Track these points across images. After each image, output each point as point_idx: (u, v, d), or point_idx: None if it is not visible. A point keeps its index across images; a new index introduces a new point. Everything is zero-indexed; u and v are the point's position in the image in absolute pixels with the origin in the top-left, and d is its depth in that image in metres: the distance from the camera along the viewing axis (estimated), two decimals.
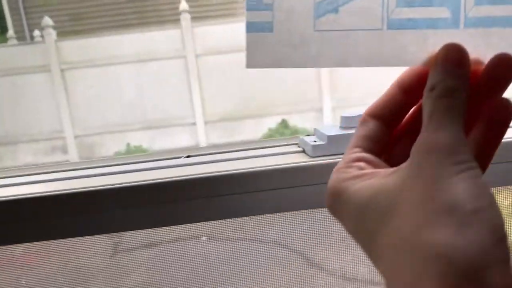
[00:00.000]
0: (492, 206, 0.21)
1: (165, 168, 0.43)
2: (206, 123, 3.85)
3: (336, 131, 0.44)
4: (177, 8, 3.76)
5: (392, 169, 0.25)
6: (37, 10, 4.48)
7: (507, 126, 0.26)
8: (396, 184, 0.24)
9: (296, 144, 0.48)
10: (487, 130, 0.26)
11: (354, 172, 0.26)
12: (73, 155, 3.76)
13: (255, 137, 3.84)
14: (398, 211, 0.23)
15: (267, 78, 3.62)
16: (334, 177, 0.27)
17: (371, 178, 0.25)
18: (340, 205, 0.26)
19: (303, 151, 0.45)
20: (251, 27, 0.28)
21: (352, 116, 0.45)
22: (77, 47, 3.74)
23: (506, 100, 0.25)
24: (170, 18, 4.00)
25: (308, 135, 0.47)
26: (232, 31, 3.49)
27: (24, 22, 4.54)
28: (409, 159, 0.24)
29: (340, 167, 0.27)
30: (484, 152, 0.26)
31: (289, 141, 0.48)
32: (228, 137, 3.81)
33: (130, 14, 4.20)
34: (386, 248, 0.23)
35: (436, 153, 0.23)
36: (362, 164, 0.27)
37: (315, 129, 0.47)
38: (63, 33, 4.06)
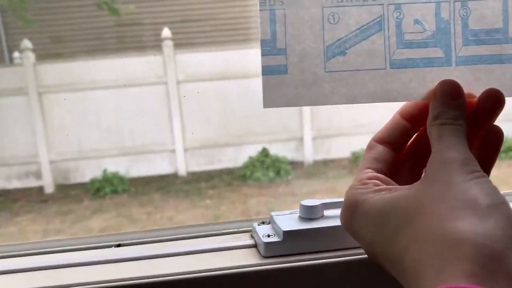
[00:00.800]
0: (506, 203, 0.24)
1: (88, 265, 0.36)
2: (186, 150, 3.80)
3: (294, 224, 0.38)
4: (159, 34, 3.74)
5: (408, 186, 0.28)
6: (17, 32, 4.41)
7: (498, 151, 0.30)
8: (416, 193, 0.26)
9: (250, 232, 0.41)
10: (481, 154, 0.30)
11: (371, 187, 0.29)
12: (47, 181, 3.67)
13: (235, 165, 3.80)
14: (421, 212, 0.25)
15: (248, 107, 3.60)
16: (350, 193, 0.29)
17: (390, 192, 0.28)
18: (358, 216, 0.28)
19: (255, 246, 0.38)
20: (266, 70, 0.31)
21: (313, 206, 0.38)
22: (56, 71, 3.69)
23: (497, 128, 0.30)
24: (152, 44, 3.96)
25: (262, 223, 0.40)
26: (215, 59, 3.48)
27: (4, 44, 4.46)
28: (424, 175, 0.27)
29: (355, 185, 0.30)
30: None
31: (241, 225, 0.42)
32: (208, 164, 3.76)
33: (111, 39, 4.15)
34: (413, 242, 0.24)
35: (450, 165, 0.26)
36: (377, 181, 0.30)
37: (271, 216, 0.40)
38: (43, 56, 3.99)
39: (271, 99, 0.31)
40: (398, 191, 0.27)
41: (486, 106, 0.30)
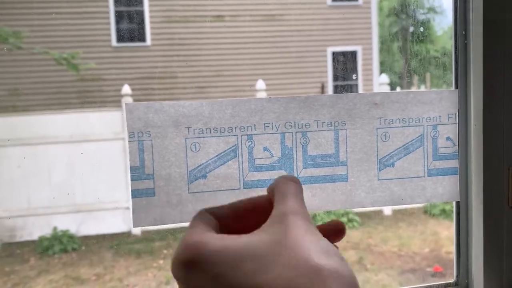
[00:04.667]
0: (337, 251, 0.28)
1: None
2: None
3: None
4: (119, 90, 3.75)
5: (252, 233, 0.28)
6: None
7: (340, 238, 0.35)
8: (267, 236, 0.27)
9: None
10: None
11: (213, 234, 0.29)
12: None
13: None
14: (279, 252, 0.26)
15: None
16: (191, 239, 0.28)
17: (236, 238, 0.28)
18: (203, 264, 0.26)
19: None
20: (135, 193, 0.36)
21: None
22: (8, 124, 3.61)
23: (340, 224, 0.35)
24: (111, 99, 3.96)
25: None
26: None
27: None
28: (269, 222, 0.29)
29: (196, 232, 0.29)
30: None
31: None
32: None
33: (71, 93, 4.14)
34: (279, 278, 0.25)
35: (296, 215, 0.29)
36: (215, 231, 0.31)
37: None
38: (0, 108, 3.93)
39: (140, 219, 0.36)
40: (245, 237, 0.28)
41: (329, 234, 0.34)
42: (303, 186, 0.35)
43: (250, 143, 0.35)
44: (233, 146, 0.35)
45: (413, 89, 4.95)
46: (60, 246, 3.26)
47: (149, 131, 0.35)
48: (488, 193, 0.46)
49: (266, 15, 4.71)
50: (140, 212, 0.35)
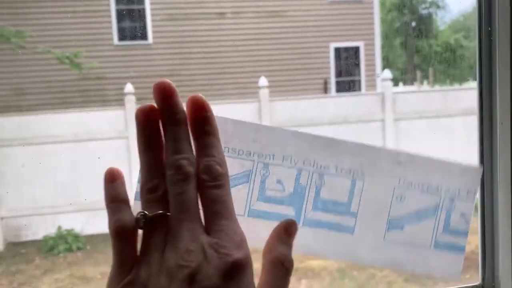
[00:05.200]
0: None
1: None
2: None
3: None
4: (122, 89, 3.74)
5: None
6: None
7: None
8: None
9: None
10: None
11: None
12: None
13: None
14: None
15: None
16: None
17: None
18: None
19: None
20: (138, 196, 0.32)
21: None
22: (13, 124, 3.62)
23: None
24: (114, 98, 3.96)
25: None
26: None
27: None
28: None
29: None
30: None
31: None
32: None
33: (74, 92, 4.13)
34: None
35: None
36: None
37: None
38: (2, 108, 3.93)
39: None
40: None
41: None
42: (306, 228, 0.35)
43: (265, 171, 0.33)
44: (247, 171, 0.33)
45: (416, 84, 4.94)
46: (65, 246, 3.26)
47: None
48: None
49: (268, 12, 4.70)
50: None
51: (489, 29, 0.44)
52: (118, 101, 3.75)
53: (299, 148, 0.33)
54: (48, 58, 3.87)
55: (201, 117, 0.31)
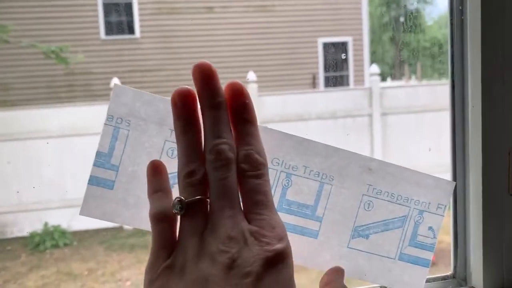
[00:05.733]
0: None
1: None
2: None
3: None
4: (108, 83, 3.72)
5: None
6: None
7: None
8: None
9: None
10: None
11: None
12: None
13: None
14: None
15: None
16: None
17: None
18: None
19: None
20: (93, 181, 0.32)
21: None
22: None
23: None
24: (101, 93, 3.92)
25: None
26: None
27: None
28: None
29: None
30: None
31: None
32: None
33: (60, 87, 4.09)
34: None
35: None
36: None
37: None
38: None
39: (89, 209, 0.33)
40: None
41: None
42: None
43: None
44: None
45: (404, 79, 4.95)
46: (51, 242, 3.23)
47: (129, 120, 0.32)
48: (487, 180, 0.44)
49: (256, 6, 4.68)
50: (91, 202, 0.32)
51: (460, 7, 0.44)
52: (105, 96, 3.73)
53: (268, 145, 0.32)
54: (34, 52, 3.82)
55: (240, 103, 0.30)
